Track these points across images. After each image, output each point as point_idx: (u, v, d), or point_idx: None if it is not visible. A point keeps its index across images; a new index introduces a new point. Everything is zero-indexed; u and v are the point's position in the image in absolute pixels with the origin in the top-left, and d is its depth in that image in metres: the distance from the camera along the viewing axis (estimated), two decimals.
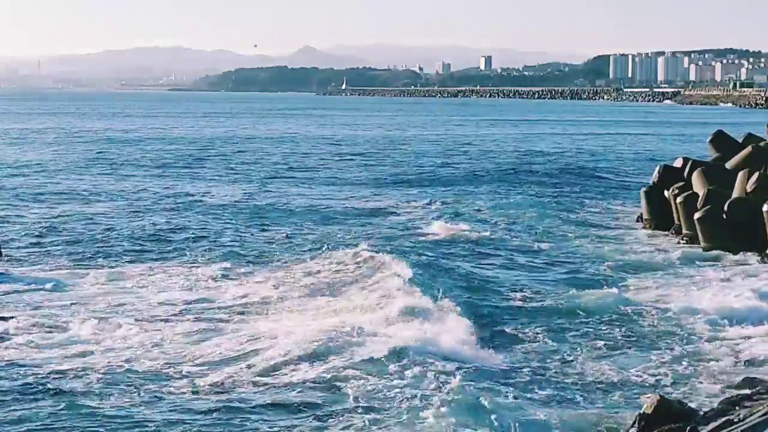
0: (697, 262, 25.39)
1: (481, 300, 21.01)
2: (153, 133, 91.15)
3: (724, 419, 11.94)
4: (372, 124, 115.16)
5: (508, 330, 18.44)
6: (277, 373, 15.23)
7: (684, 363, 16.14)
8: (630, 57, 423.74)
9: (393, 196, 40.65)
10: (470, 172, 52.25)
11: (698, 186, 28.60)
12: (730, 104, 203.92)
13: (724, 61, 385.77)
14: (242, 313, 19.41)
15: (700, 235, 26.98)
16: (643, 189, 32.39)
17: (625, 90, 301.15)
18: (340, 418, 13.40)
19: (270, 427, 13.18)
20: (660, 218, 30.58)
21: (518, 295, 21.55)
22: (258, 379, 15.01)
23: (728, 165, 29.76)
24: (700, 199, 27.49)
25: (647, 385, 14.99)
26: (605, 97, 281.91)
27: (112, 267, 24.48)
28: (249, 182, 46.30)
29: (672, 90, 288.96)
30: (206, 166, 55.08)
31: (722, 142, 32.98)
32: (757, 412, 11.84)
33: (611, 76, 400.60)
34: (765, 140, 31.33)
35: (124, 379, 14.97)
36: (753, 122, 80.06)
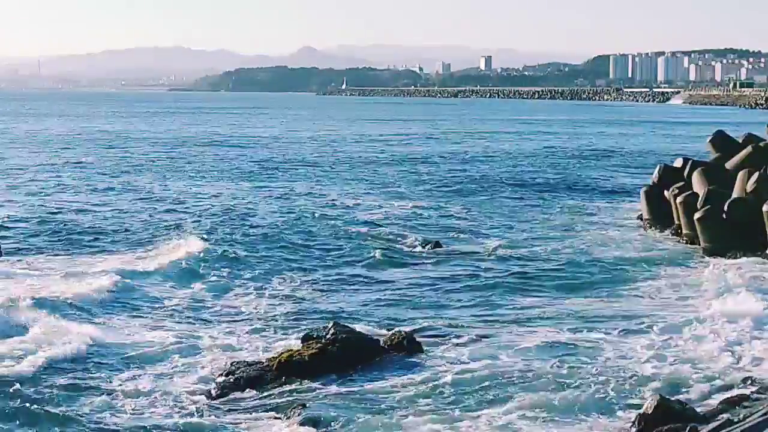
0: (696, 262, 25.37)
1: (476, 299, 21.07)
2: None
3: (724, 419, 11.93)
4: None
5: (506, 330, 18.44)
6: None
7: (684, 363, 16.12)
8: (630, 57, 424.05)
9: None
10: (466, 175, 52.17)
11: (698, 186, 28.58)
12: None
13: (724, 61, 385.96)
14: None
15: (699, 235, 26.95)
16: (643, 189, 32.37)
17: (625, 90, 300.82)
18: None
19: None
20: (660, 218, 30.55)
21: (516, 295, 21.56)
22: None
23: (728, 165, 29.73)
24: (700, 199, 27.47)
25: (647, 384, 14.96)
26: (605, 97, 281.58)
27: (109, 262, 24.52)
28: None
29: (672, 90, 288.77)
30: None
31: (722, 142, 32.94)
32: (757, 412, 11.84)
33: (611, 76, 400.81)
34: (765, 140, 31.31)
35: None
36: (753, 122, 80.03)
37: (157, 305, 20.38)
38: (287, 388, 14.88)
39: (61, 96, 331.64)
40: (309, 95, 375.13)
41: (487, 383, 15.01)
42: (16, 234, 29.43)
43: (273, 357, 16.04)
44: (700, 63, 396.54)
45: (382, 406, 14.05)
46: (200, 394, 14.54)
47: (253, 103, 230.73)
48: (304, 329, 17.89)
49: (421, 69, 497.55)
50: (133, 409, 13.80)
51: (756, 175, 26.58)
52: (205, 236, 29.11)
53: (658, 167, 32.33)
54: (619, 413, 13.60)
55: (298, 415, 13.57)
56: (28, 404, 13.71)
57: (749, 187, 26.50)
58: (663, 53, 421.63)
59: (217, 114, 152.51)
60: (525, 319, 19.41)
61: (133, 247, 27.49)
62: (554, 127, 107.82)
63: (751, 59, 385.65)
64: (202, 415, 13.69)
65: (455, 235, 29.86)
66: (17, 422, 13.14)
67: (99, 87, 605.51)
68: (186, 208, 36.25)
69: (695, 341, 17.49)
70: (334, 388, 14.84)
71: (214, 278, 23.08)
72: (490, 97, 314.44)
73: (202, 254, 25.49)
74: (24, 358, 15.84)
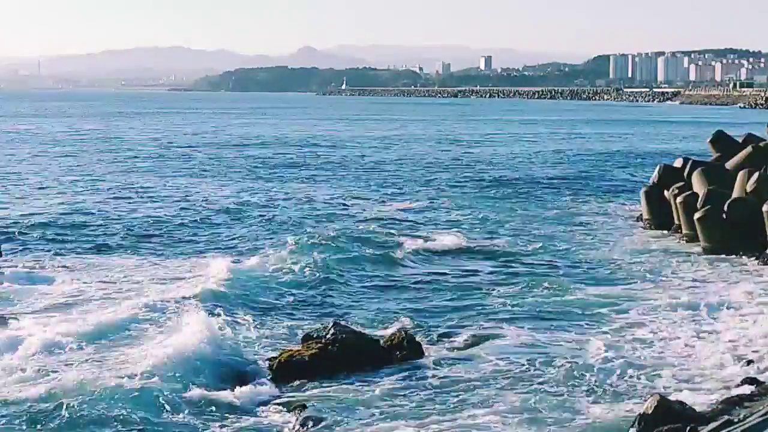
0: (696, 262, 25.39)
1: (475, 299, 21.09)
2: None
3: (724, 419, 11.92)
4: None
5: (505, 330, 18.44)
6: None
7: (684, 363, 16.13)
8: (630, 57, 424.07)
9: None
10: (468, 176, 52.20)
11: (698, 186, 28.58)
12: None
13: (724, 61, 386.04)
14: None
15: (699, 235, 26.95)
16: (643, 189, 32.38)
17: (625, 90, 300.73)
18: None
19: None
20: (660, 218, 30.56)
21: (515, 294, 21.56)
22: None
23: (728, 165, 29.73)
24: (700, 199, 27.47)
25: (646, 385, 14.97)
26: (605, 97, 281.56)
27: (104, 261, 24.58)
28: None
29: (672, 90, 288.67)
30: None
31: (722, 142, 32.95)
32: (757, 412, 11.83)
33: (611, 76, 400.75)
34: (765, 140, 31.30)
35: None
36: (753, 122, 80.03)
37: (154, 302, 20.35)
38: (287, 388, 14.89)
39: (62, 96, 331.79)
40: (309, 95, 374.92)
41: (487, 384, 15.03)
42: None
43: (273, 357, 16.04)
44: (700, 63, 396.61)
45: (382, 406, 14.06)
46: (200, 394, 14.51)
47: (254, 103, 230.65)
48: (304, 329, 17.89)
49: (421, 69, 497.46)
50: (132, 407, 13.75)
51: (756, 175, 26.58)
52: (206, 236, 29.16)
53: (658, 167, 32.33)
54: (619, 413, 13.59)
55: (298, 415, 13.59)
56: None
57: (749, 187, 26.50)
58: (663, 53, 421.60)
59: (219, 114, 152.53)
60: (524, 318, 19.39)
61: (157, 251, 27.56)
62: (553, 127, 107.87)
63: (751, 59, 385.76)
64: (201, 415, 13.68)
65: (455, 235, 29.80)
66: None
67: (99, 87, 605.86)
68: (187, 206, 36.22)
69: (694, 341, 17.49)
70: (334, 388, 14.85)
71: (212, 278, 23.07)
72: (490, 97, 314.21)
73: (201, 252, 25.53)
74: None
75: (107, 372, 15.23)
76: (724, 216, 26.30)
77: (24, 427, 13.03)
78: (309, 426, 13.23)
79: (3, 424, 13.08)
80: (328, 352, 15.91)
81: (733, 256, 25.61)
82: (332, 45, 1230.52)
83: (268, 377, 15.29)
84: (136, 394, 14.17)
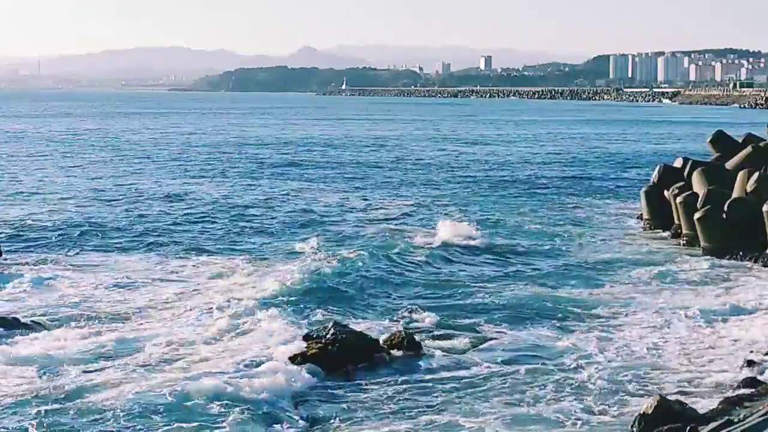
0: (696, 262, 25.39)
1: (475, 299, 21.09)
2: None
3: (724, 419, 11.92)
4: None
5: (504, 330, 18.44)
6: None
7: (683, 363, 16.13)
8: (630, 57, 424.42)
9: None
10: (470, 174, 52.17)
11: (698, 186, 28.58)
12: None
13: (724, 61, 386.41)
14: None
15: (699, 235, 26.95)
16: (643, 189, 32.39)
17: (624, 90, 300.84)
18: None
19: None
20: (660, 218, 30.57)
21: (515, 294, 21.55)
22: None
23: (728, 165, 29.73)
24: (700, 199, 27.47)
25: (646, 385, 14.97)
26: (605, 97, 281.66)
27: (107, 262, 24.57)
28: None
29: (672, 90, 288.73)
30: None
31: (722, 142, 32.95)
32: (757, 412, 11.83)
33: (611, 76, 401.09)
34: (765, 140, 31.30)
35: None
36: (753, 122, 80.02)
37: (155, 302, 20.36)
38: (287, 387, 14.85)
39: (62, 96, 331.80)
40: (309, 95, 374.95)
41: (486, 384, 15.03)
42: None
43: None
44: (700, 63, 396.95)
45: (382, 406, 14.07)
46: (204, 392, 14.48)
47: (254, 103, 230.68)
48: (305, 329, 17.88)
49: (421, 69, 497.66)
50: (132, 406, 13.74)
51: (756, 175, 26.58)
52: (208, 236, 29.17)
53: (658, 167, 32.33)
54: (619, 414, 13.59)
55: (298, 414, 13.58)
56: None
57: (749, 187, 26.50)
58: (663, 53, 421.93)
59: (218, 114, 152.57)
60: (522, 318, 19.40)
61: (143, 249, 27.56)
62: (553, 127, 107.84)
63: (751, 59, 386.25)
64: (204, 412, 13.65)
65: (455, 235, 29.77)
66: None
67: (99, 87, 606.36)
68: (188, 206, 36.21)
69: (693, 341, 17.50)
70: (334, 388, 14.84)
71: (213, 280, 23.09)
72: (490, 97, 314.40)
73: (202, 250, 25.48)
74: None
75: (117, 369, 15.29)
76: (724, 216, 26.30)
77: (41, 423, 13.05)
78: (308, 425, 13.23)
79: (13, 424, 13.09)
80: (328, 351, 15.91)
81: (733, 256, 25.61)
82: (332, 45, 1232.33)
83: (270, 376, 15.25)
84: (145, 389, 14.23)
